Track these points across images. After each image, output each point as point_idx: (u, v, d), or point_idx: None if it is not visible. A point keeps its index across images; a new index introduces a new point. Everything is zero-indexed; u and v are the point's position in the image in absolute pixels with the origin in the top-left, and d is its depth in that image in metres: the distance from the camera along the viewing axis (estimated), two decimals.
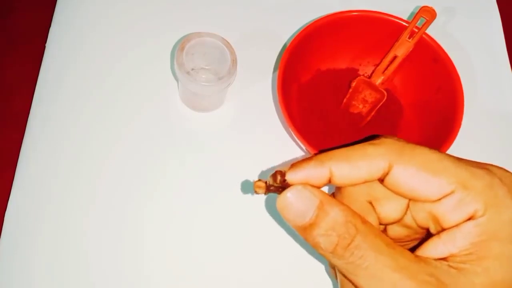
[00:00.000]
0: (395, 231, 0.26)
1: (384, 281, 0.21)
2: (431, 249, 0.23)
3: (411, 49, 0.46)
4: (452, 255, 0.22)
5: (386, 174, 0.23)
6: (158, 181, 0.45)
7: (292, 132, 0.42)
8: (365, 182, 0.24)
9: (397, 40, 0.46)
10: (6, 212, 0.42)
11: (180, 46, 0.43)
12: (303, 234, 0.23)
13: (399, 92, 0.50)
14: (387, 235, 0.26)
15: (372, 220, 0.25)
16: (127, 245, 0.42)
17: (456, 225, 0.22)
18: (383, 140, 0.24)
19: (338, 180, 0.23)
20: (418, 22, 0.46)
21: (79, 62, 0.49)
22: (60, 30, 0.51)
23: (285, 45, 0.51)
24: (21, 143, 0.45)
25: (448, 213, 0.22)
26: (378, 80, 0.48)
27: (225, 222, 0.44)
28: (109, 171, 0.45)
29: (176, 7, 0.53)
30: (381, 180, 0.24)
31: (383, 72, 0.47)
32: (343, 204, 0.23)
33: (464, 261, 0.22)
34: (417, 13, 0.46)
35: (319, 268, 0.43)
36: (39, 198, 0.43)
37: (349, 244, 0.22)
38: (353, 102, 0.48)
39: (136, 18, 0.52)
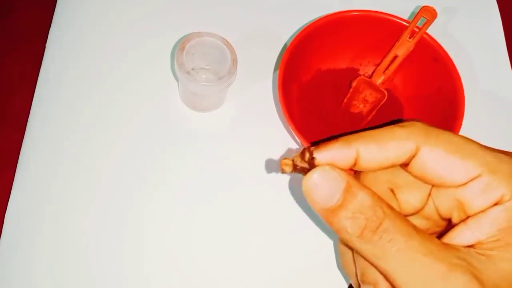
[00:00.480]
0: (415, 223, 0.25)
1: (414, 265, 0.21)
2: (457, 236, 0.22)
3: (411, 48, 0.46)
4: (479, 242, 0.22)
5: (413, 156, 0.23)
6: (158, 181, 0.45)
7: (292, 132, 0.42)
8: (391, 165, 0.23)
9: (397, 40, 0.46)
10: (6, 212, 0.42)
11: (180, 46, 0.43)
12: (328, 218, 0.22)
13: (399, 92, 0.50)
14: None
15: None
16: (127, 245, 0.42)
17: (483, 211, 0.22)
18: (410, 122, 0.23)
19: (364, 162, 0.23)
20: (419, 22, 0.46)
21: (79, 62, 0.49)
22: (60, 30, 0.51)
23: (285, 45, 0.51)
24: (21, 143, 0.45)
25: (475, 197, 0.22)
26: (378, 80, 0.48)
27: (225, 222, 0.44)
28: (109, 171, 0.45)
29: (176, 7, 0.53)
30: (405, 165, 0.23)
31: (384, 72, 0.47)
32: (369, 188, 0.22)
33: (491, 248, 0.21)
34: (417, 13, 0.46)
35: (320, 268, 0.43)
36: (39, 198, 0.43)
37: (377, 227, 0.21)
38: (354, 102, 0.48)
39: (136, 18, 0.52)
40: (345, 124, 0.48)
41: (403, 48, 0.46)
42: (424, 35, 0.46)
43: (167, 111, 0.48)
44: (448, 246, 0.22)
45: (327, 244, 0.44)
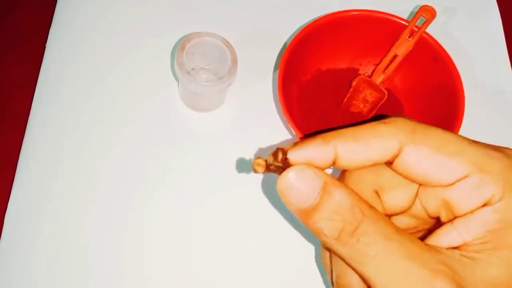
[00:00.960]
0: (402, 222, 0.24)
1: (393, 269, 0.20)
2: (443, 237, 0.21)
3: (411, 48, 0.46)
4: (465, 244, 0.20)
5: (397, 155, 0.21)
6: (158, 181, 0.45)
7: (292, 132, 0.42)
8: (373, 164, 0.22)
9: (397, 39, 0.46)
10: (6, 212, 0.42)
11: (180, 46, 0.43)
12: (304, 219, 0.21)
13: (399, 91, 0.50)
14: None
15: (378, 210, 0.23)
16: (127, 245, 0.42)
17: (471, 212, 0.21)
18: (394, 119, 0.22)
19: (343, 161, 0.22)
20: (418, 21, 0.46)
21: (79, 62, 0.49)
22: (60, 30, 0.51)
23: (285, 45, 0.51)
24: (21, 143, 0.45)
25: (463, 198, 0.21)
26: (378, 80, 0.48)
27: (225, 222, 0.44)
28: (109, 171, 0.45)
29: (176, 7, 0.53)
30: (390, 163, 0.22)
31: (384, 71, 0.47)
32: (348, 187, 0.21)
33: (478, 250, 0.20)
34: (417, 12, 0.46)
35: (320, 267, 0.43)
36: (39, 198, 0.43)
37: (355, 230, 0.20)
38: (354, 102, 0.48)
39: (136, 18, 0.52)
40: (345, 123, 0.47)
41: (402, 47, 0.46)
42: (424, 35, 0.46)
43: (167, 111, 0.48)
44: (431, 248, 0.21)
45: None
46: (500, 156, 0.21)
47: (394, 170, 0.22)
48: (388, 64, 0.47)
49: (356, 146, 0.21)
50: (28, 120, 0.46)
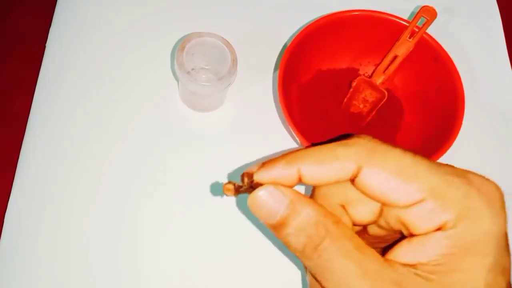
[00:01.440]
0: (375, 230, 0.26)
1: (349, 287, 0.21)
2: (401, 253, 0.22)
3: (411, 48, 0.46)
4: (420, 264, 0.21)
5: (356, 176, 0.22)
6: (158, 181, 0.45)
7: (292, 132, 0.42)
8: (336, 182, 0.23)
9: (397, 40, 0.46)
10: (6, 212, 0.42)
11: (180, 46, 0.43)
12: (275, 232, 0.23)
13: (399, 92, 0.50)
14: (367, 234, 0.26)
15: (345, 222, 0.25)
16: (127, 245, 0.42)
17: (425, 234, 0.21)
18: (355, 140, 0.23)
19: (308, 180, 0.23)
20: (419, 21, 0.46)
21: (79, 62, 0.49)
22: (60, 30, 0.51)
23: (285, 45, 0.51)
24: (21, 143, 0.45)
25: (418, 220, 0.21)
26: (378, 80, 0.47)
27: (225, 222, 0.44)
28: (109, 171, 0.45)
29: (176, 7, 0.53)
30: (352, 181, 0.23)
31: (384, 71, 0.47)
32: (316, 204, 0.22)
33: (432, 272, 0.21)
34: (417, 12, 0.46)
35: None
36: (39, 198, 0.43)
37: (317, 246, 0.21)
38: (354, 102, 0.48)
39: (136, 18, 0.52)
40: (345, 124, 0.48)
41: (403, 48, 0.46)
42: (424, 35, 0.46)
43: (167, 111, 0.48)
44: (388, 265, 0.21)
45: None
46: (459, 182, 0.21)
47: (356, 188, 0.23)
48: (389, 65, 0.47)
49: (317, 168, 0.23)
50: (28, 120, 0.46)
